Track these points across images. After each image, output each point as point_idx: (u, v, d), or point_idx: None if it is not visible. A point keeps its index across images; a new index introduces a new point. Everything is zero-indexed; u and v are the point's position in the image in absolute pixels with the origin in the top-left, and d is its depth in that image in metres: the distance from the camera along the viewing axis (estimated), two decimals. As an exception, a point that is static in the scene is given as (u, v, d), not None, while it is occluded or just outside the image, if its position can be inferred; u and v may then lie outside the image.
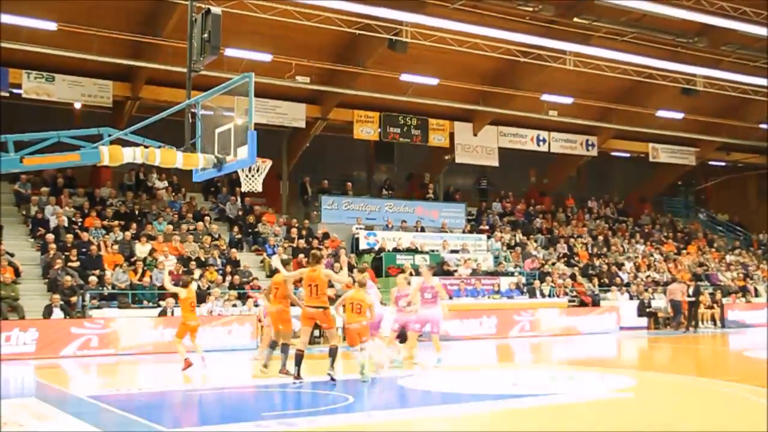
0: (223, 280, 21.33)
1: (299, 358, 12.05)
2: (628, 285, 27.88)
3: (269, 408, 10.64)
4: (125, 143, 10.66)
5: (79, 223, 21.95)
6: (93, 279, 19.51)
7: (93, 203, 23.30)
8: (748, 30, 23.78)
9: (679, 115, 30.79)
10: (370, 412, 10.03)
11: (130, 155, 10.36)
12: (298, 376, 12.00)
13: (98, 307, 19.07)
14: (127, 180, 24.98)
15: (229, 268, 21.82)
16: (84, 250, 20.57)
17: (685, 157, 34.80)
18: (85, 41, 21.25)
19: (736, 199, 38.31)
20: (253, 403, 11.16)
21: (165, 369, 15.38)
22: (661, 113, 30.57)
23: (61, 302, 18.38)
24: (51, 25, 20.21)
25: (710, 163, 37.14)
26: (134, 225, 22.59)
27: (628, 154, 35.26)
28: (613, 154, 34.93)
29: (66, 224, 21.49)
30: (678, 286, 26.08)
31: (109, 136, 10.69)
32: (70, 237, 20.76)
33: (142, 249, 21.50)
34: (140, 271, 20.54)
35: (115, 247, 21.37)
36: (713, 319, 26.91)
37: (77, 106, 23.82)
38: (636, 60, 25.58)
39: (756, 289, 30.27)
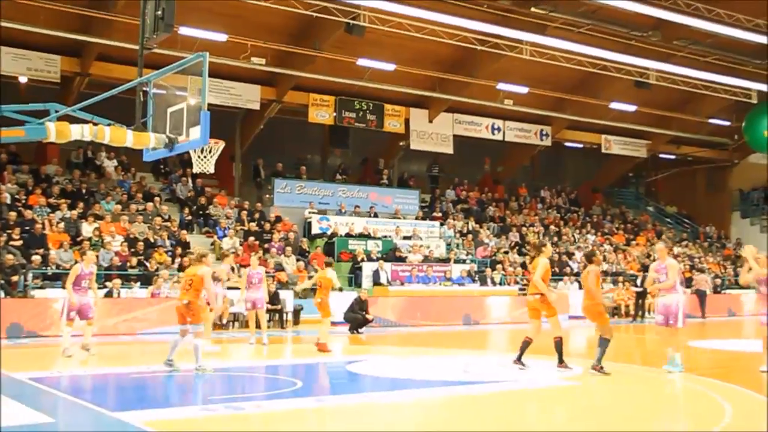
0: (172, 262, 21.03)
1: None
2: (578, 275, 28.19)
3: (217, 391, 10.51)
4: (73, 120, 10.37)
5: (23, 201, 21.39)
6: (36, 258, 19.07)
7: (38, 180, 22.72)
8: (700, 26, 24.15)
9: (632, 108, 31.17)
10: (319, 396, 9.97)
11: (78, 132, 10.09)
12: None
13: (41, 287, 18.63)
14: (74, 158, 24.43)
15: (179, 250, 21.51)
16: (27, 228, 20.06)
17: (637, 149, 35.32)
18: (32, 13, 20.64)
19: (685, 191, 39.02)
20: (200, 387, 11.01)
21: (110, 350, 15.11)
22: (614, 105, 30.92)
23: (2, 281, 17.92)
24: (-4, -4, 19.59)
25: (661, 155, 37.71)
26: (81, 204, 22.12)
27: (581, 145, 35.62)
28: (566, 144, 35.25)
29: (8, 201, 20.93)
30: (703, 276, 28.37)
31: (57, 112, 10.40)
32: (13, 215, 20.21)
33: (88, 228, 21.07)
34: (86, 250, 20.10)
35: (61, 225, 20.90)
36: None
37: (23, 80, 23.16)
38: (591, 52, 25.78)
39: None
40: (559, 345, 11.87)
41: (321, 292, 14.81)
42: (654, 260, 12.31)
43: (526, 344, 11.98)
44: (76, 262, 19.66)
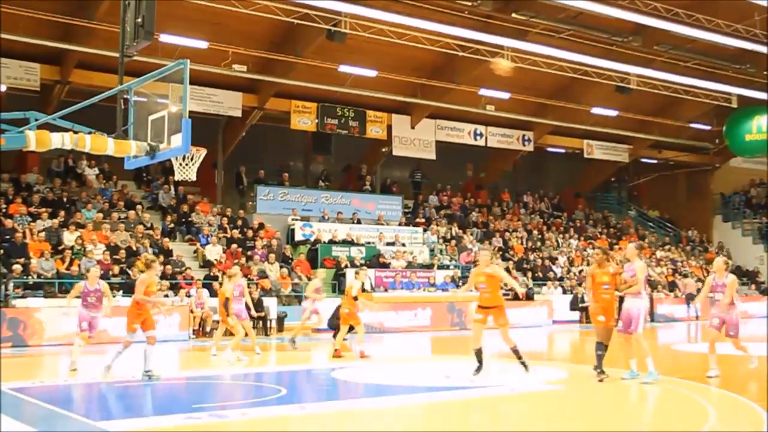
0: (155, 270, 20.87)
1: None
2: (561, 279, 28.31)
3: (201, 400, 10.45)
4: (53, 128, 10.30)
5: (3, 210, 21.22)
6: (17, 267, 18.90)
7: (18, 189, 22.53)
8: (680, 31, 24.33)
9: (613, 113, 31.33)
10: (303, 404, 9.93)
11: (59, 141, 10.02)
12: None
13: (22, 297, 18.47)
14: (55, 166, 24.25)
15: (161, 258, 21.37)
16: (8, 237, 19.90)
17: (619, 154, 35.51)
18: (11, 21, 20.45)
19: (667, 195, 39.25)
20: (184, 395, 10.95)
21: (93, 360, 14.99)
22: (596, 110, 31.04)
23: (-16, 291, 17.76)
24: (-27, 4, 19.41)
25: (642, 160, 37.92)
26: (62, 212, 21.96)
27: (563, 150, 35.76)
28: (548, 149, 35.38)
29: (-12, 211, 20.77)
30: (691, 280, 29.49)
31: (36, 120, 10.33)
32: (-8, 224, 20.07)
33: (70, 237, 20.92)
34: (68, 259, 19.98)
35: (42, 234, 20.74)
36: (643, 313, 27.69)
37: (2, 88, 22.93)
38: (572, 57, 25.88)
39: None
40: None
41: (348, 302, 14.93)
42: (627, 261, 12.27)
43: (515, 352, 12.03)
44: (59, 271, 19.66)
